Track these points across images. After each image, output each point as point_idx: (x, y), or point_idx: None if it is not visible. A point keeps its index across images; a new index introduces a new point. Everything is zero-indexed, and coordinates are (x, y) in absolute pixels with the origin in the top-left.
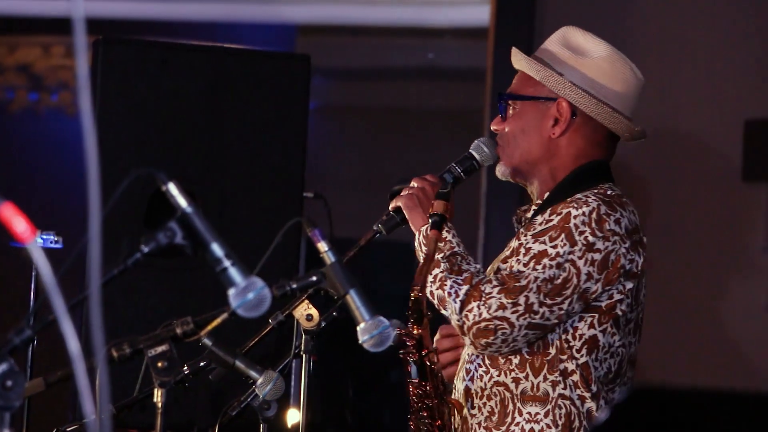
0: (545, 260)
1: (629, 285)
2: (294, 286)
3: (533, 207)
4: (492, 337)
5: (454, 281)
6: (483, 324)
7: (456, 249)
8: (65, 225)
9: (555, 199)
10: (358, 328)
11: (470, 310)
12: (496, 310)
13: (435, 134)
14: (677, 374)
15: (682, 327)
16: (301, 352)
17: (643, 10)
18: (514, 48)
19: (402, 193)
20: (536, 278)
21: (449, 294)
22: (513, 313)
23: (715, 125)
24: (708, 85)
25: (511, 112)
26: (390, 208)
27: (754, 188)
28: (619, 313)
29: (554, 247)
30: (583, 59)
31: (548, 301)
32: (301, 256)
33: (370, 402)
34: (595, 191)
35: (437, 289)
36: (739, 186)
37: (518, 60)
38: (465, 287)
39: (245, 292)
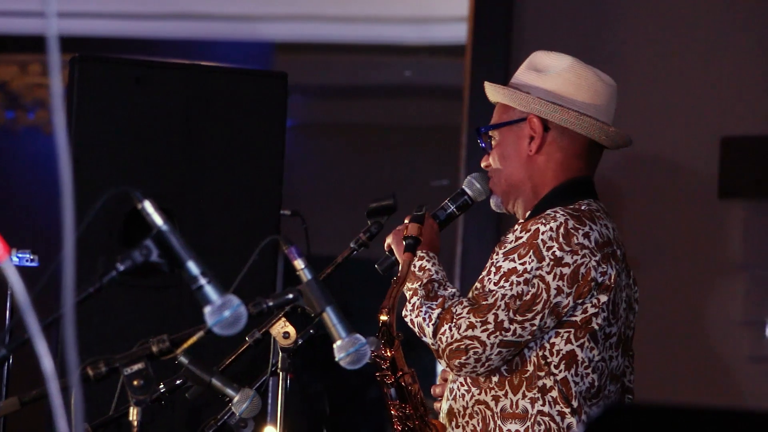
0: (513, 277)
1: (603, 298)
2: (270, 303)
3: (516, 226)
4: (464, 357)
5: (428, 307)
6: (454, 345)
7: (434, 276)
8: (41, 243)
9: (532, 218)
10: (334, 346)
11: (443, 333)
12: (465, 330)
13: (413, 152)
14: (652, 390)
15: (658, 343)
16: (278, 370)
17: (620, 29)
18: (486, 83)
19: (393, 231)
20: (503, 295)
21: (424, 319)
22: (483, 331)
23: (691, 142)
24: (684, 102)
25: (493, 143)
26: (386, 248)
27: (730, 205)
28: (596, 327)
29: (522, 264)
30: (546, 74)
31: (518, 318)
32: (279, 274)
33: (347, 419)
34: (567, 207)
35: (416, 317)
36: (716, 203)
37: (490, 90)
38: (437, 311)
39: (221, 309)
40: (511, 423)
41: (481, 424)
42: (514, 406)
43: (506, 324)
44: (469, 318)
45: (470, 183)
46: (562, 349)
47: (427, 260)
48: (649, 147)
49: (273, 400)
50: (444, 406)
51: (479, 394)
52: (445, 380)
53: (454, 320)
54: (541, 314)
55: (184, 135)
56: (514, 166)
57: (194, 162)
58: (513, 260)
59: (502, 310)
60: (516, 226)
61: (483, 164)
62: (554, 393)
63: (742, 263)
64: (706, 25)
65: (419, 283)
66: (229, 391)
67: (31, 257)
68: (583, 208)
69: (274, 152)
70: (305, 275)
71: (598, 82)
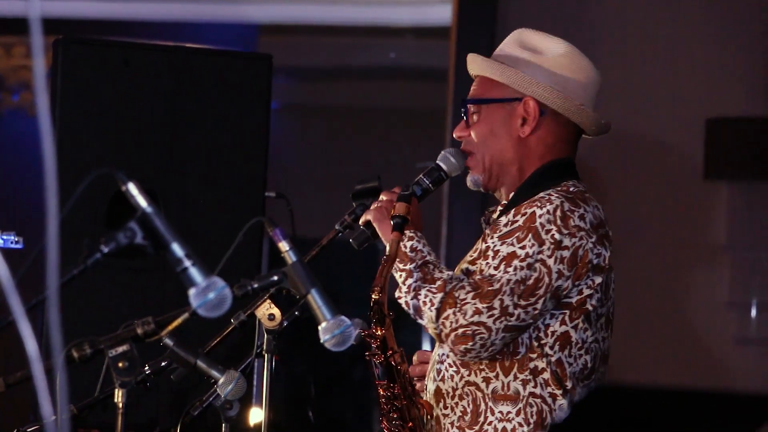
0: (515, 262)
1: (598, 279)
2: (255, 285)
3: (500, 208)
4: (471, 343)
5: (428, 290)
6: (460, 330)
7: (427, 258)
8: (27, 225)
9: (519, 199)
10: (319, 328)
11: (446, 318)
12: (472, 316)
13: (397, 134)
14: (637, 372)
15: (643, 324)
16: (263, 352)
17: (604, 11)
18: (471, 54)
19: (371, 207)
20: (509, 280)
21: (424, 303)
22: (489, 317)
23: (676, 124)
24: (669, 84)
25: (475, 118)
26: (360, 222)
27: (715, 186)
28: (590, 308)
29: (522, 248)
30: (543, 57)
31: (522, 302)
32: (264, 256)
33: (332, 401)
34: (558, 189)
35: (412, 299)
36: (701, 184)
37: (479, 64)
38: (439, 295)
39: (206, 292)
40: (502, 405)
41: (471, 406)
42: (505, 388)
43: (511, 309)
44: (475, 304)
45: (445, 158)
46: (556, 331)
47: (417, 240)
48: (634, 129)
49: (258, 382)
50: (431, 386)
51: (469, 375)
52: (422, 362)
53: (459, 305)
54: (543, 298)
55: (169, 117)
56: (503, 145)
57: (179, 144)
58: (512, 244)
59: (507, 295)
60: (509, 210)
61: (458, 134)
62: (546, 375)
63: (727, 244)
64: (691, 6)
65: (413, 264)
66: (215, 373)
67: (16, 239)
68: (571, 189)
69: (258, 134)
70: (290, 257)
71: (592, 71)
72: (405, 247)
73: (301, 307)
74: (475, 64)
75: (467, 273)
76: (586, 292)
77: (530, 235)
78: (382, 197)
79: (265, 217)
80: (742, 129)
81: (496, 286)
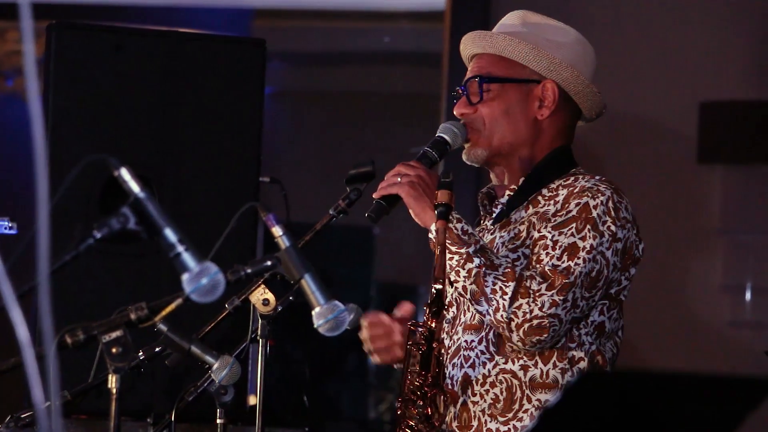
0: (582, 254)
1: (633, 271)
2: (248, 271)
3: (508, 192)
4: (546, 335)
5: (495, 277)
6: (536, 322)
7: (481, 242)
8: (21, 211)
9: (532, 185)
10: (313, 313)
11: (518, 307)
12: (549, 308)
13: (392, 118)
14: (632, 356)
15: (637, 308)
16: (258, 337)
17: None
18: (481, 32)
19: (400, 181)
20: (581, 273)
21: (493, 291)
22: (563, 309)
23: (670, 108)
24: (663, 67)
25: (485, 96)
26: (377, 195)
27: (709, 170)
28: (623, 298)
29: (583, 239)
30: (560, 41)
31: (586, 294)
32: (259, 241)
33: (327, 386)
34: (600, 178)
35: (471, 284)
36: (695, 168)
37: (496, 42)
38: (511, 284)
39: (199, 277)
40: (540, 393)
41: (505, 393)
42: (544, 376)
43: (579, 301)
44: (552, 296)
45: (449, 130)
46: (595, 320)
47: (465, 223)
48: (628, 112)
49: (253, 367)
50: (456, 373)
51: (505, 363)
52: (404, 313)
53: (532, 296)
54: (601, 290)
55: (162, 102)
56: (520, 125)
57: (172, 129)
58: (571, 235)
59: (579, 287)
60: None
61: (461, 111)
62: (583, 364)
63: (721, 228)
64: None
65: (469, 248)
66: (209, 359)
67: (10, 225)
68: (604, 178)
69: (252, 119)
70: (283, 242)
71: (595, 59)
72: (456, 229)
73: (295, 292)
74: (489, 42)
75: (522, 264)
76: (624, 283)
77: (588, 227)
78: (405, 171)
79: (259, 202)
80: (735, 112)
81: (571, 279)
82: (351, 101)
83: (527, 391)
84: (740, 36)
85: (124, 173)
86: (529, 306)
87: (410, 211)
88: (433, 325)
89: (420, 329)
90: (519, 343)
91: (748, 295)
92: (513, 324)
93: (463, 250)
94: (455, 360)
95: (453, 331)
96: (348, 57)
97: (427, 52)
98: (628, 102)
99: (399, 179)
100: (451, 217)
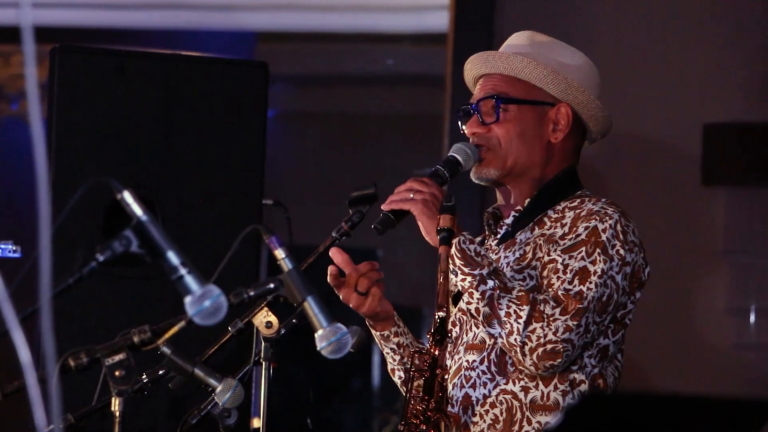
0: (594, 278)
1: (638, 295)
2: (251, 293)
3: (513, 212)
4: (559, 360)
5: (509, 300)
6: (549, 346)
7: (494, 264)
8: (26, 234)
9: (539, 206)
10: (315, 335)
11: (532, 331)
12: (563, 333)
13: (395, 141)
14: (636, 379)
15: (641, 331)
16: (261, 360)
17: (601, 17)
18: (494, 52)
19: (413, 197)
20: (593, 298)
21: (508, 314)
22: (576, 335)
23: (674, 129)
24: (666, 89)
25: (503, 115)
26: (385, 208)
27: (713, 192)
28: (628, 322)
29: (593, 263)
30: (572, 63)
31: (597, 319)
32: (262, 264)
33: (331, 408)
34: (606, 200)
35: (485, 306)
36: (699, 190)
37: (514, 63)
38: (526, 308)
39: (201, 299)
40: (541, 415)
41: (504, 414)
42: (545, 398)
43: (591, 326)
44: (566, 321)
45: (462, 150)
46: (600, 344)
47: (477, 244)
48: (632, 134)
49: (256, 390)
50: (457, 393)
51: (506, 383)
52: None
53: (546, 320)
54: (611, 315)
55: (165, 125)
56: (533, 148)
57: (175, 152)
58: (581, 259)
59: (591, 312)
60: (525, 214)
61: (474, 130)
62: (583, 387)
63: (725, 250)
64: (689, 11)
65: (484, 270)
66: (212, 381)
67: (14, 248)
68: (609, 201)
69: (255, 142)
70: (286, 265)
71: (600, 82)
72: (470, 250)
73: (298, 315)
74: (505, 63)
75: (530, 287)
76: (629, 307)
77: (598, 250)
78: (417, 187)
79: (262, 225)
80: (740, 134)
81: (585, 304)
82: (354, 123)
83: (527, 413)
84: (744, 58)
85: (127, 196)
86: (543, 330)
87: (421, 229)
88: (437, 353)
89: (422, 355)
90: (531, 368)
91: (752, 318)
92: (527, 348)
93: (476, 272)
94: (456, 380)
95: (455, 350)
96: (351, 79)
97: (430, 74)
98: (631, 123)
99: (411, 195)
100: (463, 238)
